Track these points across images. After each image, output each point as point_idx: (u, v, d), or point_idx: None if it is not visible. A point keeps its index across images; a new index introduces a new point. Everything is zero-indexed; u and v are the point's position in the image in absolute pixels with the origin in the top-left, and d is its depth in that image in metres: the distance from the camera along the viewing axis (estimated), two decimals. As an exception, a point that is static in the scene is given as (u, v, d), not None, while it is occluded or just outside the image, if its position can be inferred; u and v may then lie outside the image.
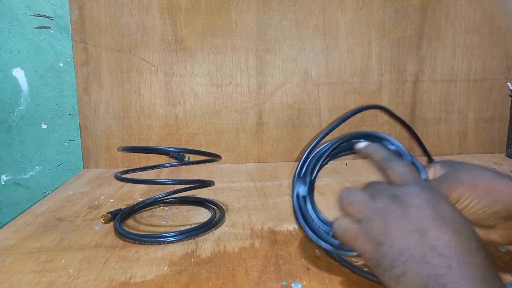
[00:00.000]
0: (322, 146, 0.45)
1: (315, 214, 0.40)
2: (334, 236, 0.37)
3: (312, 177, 0.43)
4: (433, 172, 0.40)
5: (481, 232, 0.37)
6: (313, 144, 0.47)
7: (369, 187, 0.35)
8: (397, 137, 0.43)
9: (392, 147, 0.43)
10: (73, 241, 0.48)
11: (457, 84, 0.92)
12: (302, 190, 0.42)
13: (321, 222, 0.40)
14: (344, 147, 0.46)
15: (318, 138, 0.47)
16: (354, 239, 0.32)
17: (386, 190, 0.33)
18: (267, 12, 0.86)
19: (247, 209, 0.59)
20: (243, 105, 0.88)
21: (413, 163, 0.41)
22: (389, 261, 0.28)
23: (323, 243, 0.38)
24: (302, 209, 0.41)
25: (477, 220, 0.36)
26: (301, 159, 0.45)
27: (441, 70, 0.91)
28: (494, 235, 0.37)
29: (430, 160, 0.64)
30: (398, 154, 0.42)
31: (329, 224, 0.39)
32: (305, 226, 0.40)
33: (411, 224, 0.29)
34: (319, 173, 0.44)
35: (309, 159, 0.45)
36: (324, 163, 0.44)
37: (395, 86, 0.91)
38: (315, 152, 0.45)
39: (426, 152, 0.62)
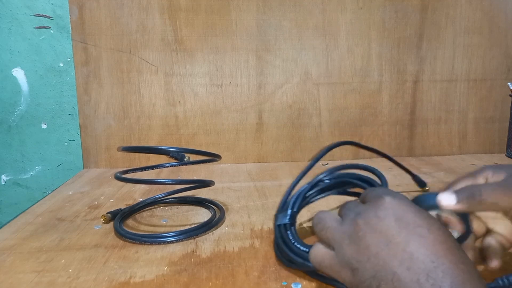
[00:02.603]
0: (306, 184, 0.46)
1: (295, 239, 0.40)
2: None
3: (294, 210, 0.44)
4: (485, 179, 0.35)
5: None
6: (294, 181, 0.48)
7: (341, 209, 0.33)
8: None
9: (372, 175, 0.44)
10: (73, 241, 0.48)
11: (457, 84, 0.92)
12: (282, 220, 0.43)
13: (300, 246, 0.39)
14: (330, 185, 0.47)
15: (298, 176, 0.49)
16: (330, 268, 0.31)
17: (352, 210, 0.31)
18: (267, 12, 0.86)
19: (247, 209, 0.59)
20: (243, 105, 0.88)
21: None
22: (366, 287, 0.27)
23: (299, 259, 0.38)
24: (282, 235, 0.41)
25: None
26: (285, 193, 0.47)
27: (441, 70, 0.91)
28: None
29: (414, 177, 0.64)
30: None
31: (308, 247, 0.38)
32: (283, 247, 0.40)
33: (376, 241, 0.27)
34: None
35: (292, 193, 0.46)
36: (309, 199, 0.46)
37: (395, 86, 0.91)
38: (302, 188, 0.46)
39: (409, 173, 0.63)
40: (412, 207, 0.29)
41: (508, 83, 0.90)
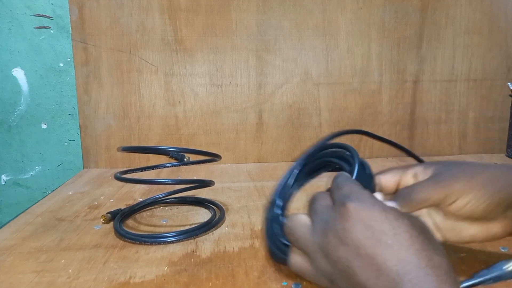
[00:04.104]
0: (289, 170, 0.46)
1: (280, 233, 0.40)
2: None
3: (285, 199, 0.44)
4: (412, 175, 0.37)
5: (482, 229, 0.35)
6: (287, 172, 0.47)
7: (309, 208, 0.33)
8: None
9: (348, 154, 0.43)
10: (73, 241, 0.48)
11: (457, 84, 0.92)
12: (271, 212, 0.42)
13: (284, 240, 0.38)
14: (315, 167, 0.46)
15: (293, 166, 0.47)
16: (310, 277, 0.31)
17: (319, 215, 0.31)
18: (267, 12, 0.86)
19: (247, 209, 0.59)
20: (243, 105, 0.88)
21: (364, 169, 0.39)
22: None
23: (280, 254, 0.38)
24: (269, 228, 0.41)
25: (479, 215, 0.34)
26: (278, 184, 0.46)
27: (441, 70, 0.91)
28: (495, 229, 0.35)
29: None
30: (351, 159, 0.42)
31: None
32: (271, 244, 0.40)
33: (346, 255, 0.27)
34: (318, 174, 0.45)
35: (284, 183, 0.46)
36: (298, 184, 0.45)
37: (395, 86, 0.91)
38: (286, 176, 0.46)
39: (418, 159, 0.61)
40: (377, 210, 0.28)
41: (508, 83, 0.90)
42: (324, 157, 0.46)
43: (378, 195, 0.32)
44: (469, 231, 0.35)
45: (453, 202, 0.34)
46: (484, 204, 0.33)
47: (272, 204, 0.44)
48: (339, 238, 0.28)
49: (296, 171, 0.45)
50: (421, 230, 0.27)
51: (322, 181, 0.46)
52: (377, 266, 0.25)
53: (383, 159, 0.61)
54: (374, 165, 0.47)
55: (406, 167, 0.38)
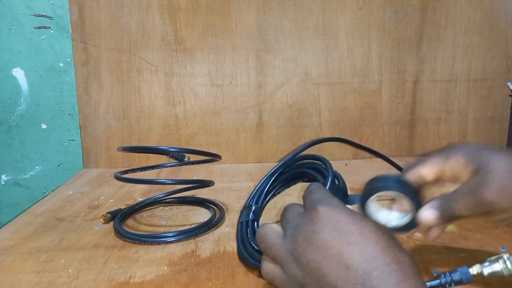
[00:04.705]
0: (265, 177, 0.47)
1: (252, 238, 0.41)
2: None
3: (258, 205, 0.45)
4: (452, 174, 0.35)
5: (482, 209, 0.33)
6: (263, 179, 0.49)
7: (282, 218, 0.33)
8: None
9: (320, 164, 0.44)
10: (73, 241, 0.48)
11: (457, 84, 0.92)
12: (245, 217, 0.44)
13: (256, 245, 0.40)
14: (290, 177, 0.47)
15: (268, 173, 0.49)
16: (281, 285, 0.31)
17: (291, 223, 0.31)
18: (267, 12, 0.86)
19: (247, 209, 0.59)
20: (243, 105, 0.88)
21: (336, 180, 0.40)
22: None
23: (251, 260, 0.39)
24: (242, 233, 0.43)
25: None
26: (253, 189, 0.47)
27: (441, 70, 0.91)
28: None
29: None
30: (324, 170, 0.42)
31: None
32: (240, 246, 0.41)
33: (315, 256, 0.27)
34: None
35: (261, 189, 0.47)
36: (274, 192, 0.47)
37: (395, 86, 0.91)
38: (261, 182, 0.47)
39: (398, 168, 0.60)
40: (344, 213, 0.29)
41: (508, 83, 0.90)
42: (301, 168, 0.47)
43: (350, 207, 0.32)
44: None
45: (498, 215, 0.33)
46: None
47: (246, 208, 0.44)
48: (308, 241, 0.28)
49: (272, 179, 0.46)
50: (384, 230, 0.28)
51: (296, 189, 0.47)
52: (345, 264, 0.26)
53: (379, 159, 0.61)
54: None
55: (447, 157, 0.36)
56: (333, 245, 0.27)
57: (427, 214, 0.34)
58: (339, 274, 0.26)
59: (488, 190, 0.32)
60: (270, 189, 0.46)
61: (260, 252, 0.36)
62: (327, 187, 0.37)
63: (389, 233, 0.28)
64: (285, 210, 0.34)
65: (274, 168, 0.47)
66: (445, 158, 0.36)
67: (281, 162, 0.47)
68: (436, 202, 0.34)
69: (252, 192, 0.47)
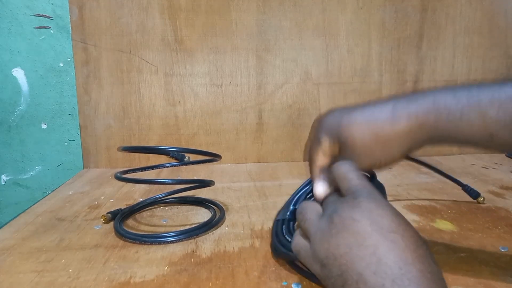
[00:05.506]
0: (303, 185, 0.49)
1: (287, 232, 0.43)
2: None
3: (296, 207, 0.45)
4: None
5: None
6: (302, 184, 0.50)
7: (324, 201, 0.35)
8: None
9: None
10: (73, 241, 0.48)
11: (457, 84, 0.92)
12: (282, 215, 0.45)
13: (289, 237, 0.41)
14: None
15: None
16: (305, 259, 0.32)
17: (331, 205, 0.32)
18: (267, 12, 0.86)
19: (247, 209, 0.59)
20: (243, 105, 0.88)
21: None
22: (332, 284, 0.28)
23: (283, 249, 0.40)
24: (277, 229, 0.44)
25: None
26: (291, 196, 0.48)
27: (441, 70, 0.91)
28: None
29: (464, 187, 0.59)
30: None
31: None
32: (274, 238, 0.42)
33: (347, 242, 0.28)
34: None
35: (298, 195, 0.48)
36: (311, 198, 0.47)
37: (395, 86, 0.91)
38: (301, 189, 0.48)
39: (460, 184, 0.59)
40: (389, 211, 0.29)
41: (508, 83, 0.89)
42: None
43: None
44: None
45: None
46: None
47: (285, 208, 0.45)
48: (344, 225, 0.29)
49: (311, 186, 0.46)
50: (423, 242, 0.28)
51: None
52: (379, 258, 0.26)
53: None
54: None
55: (320, 144, 0.39)
56: (371, 237, 0.27)
57: (319, 189, 0.37)
58: (369, 265, 0.26)
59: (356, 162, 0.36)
60: (309, 195, 0.47)
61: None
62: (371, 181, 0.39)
63: (426, 245, 0.28)
64: (328, 197, 0.35)
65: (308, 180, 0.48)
66: (319, 147, 0.39)
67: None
68: (323, 177, 0.38)
69: (294, 193, 0.48)
